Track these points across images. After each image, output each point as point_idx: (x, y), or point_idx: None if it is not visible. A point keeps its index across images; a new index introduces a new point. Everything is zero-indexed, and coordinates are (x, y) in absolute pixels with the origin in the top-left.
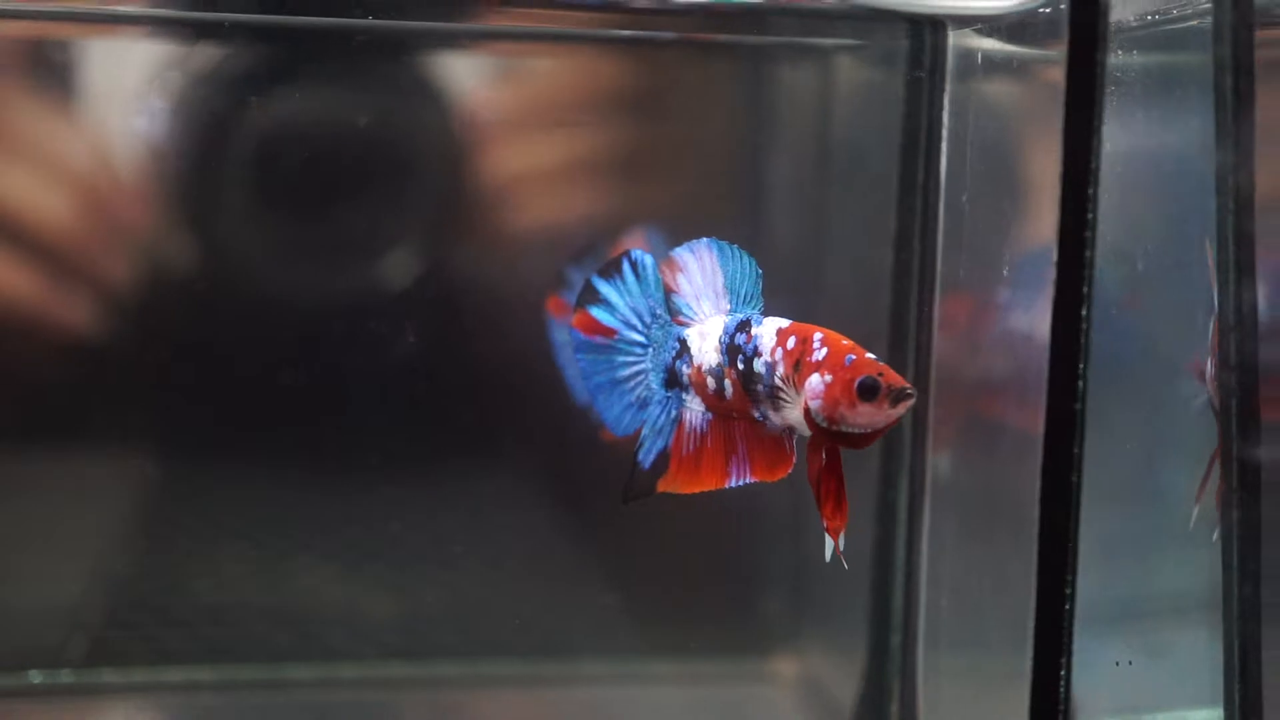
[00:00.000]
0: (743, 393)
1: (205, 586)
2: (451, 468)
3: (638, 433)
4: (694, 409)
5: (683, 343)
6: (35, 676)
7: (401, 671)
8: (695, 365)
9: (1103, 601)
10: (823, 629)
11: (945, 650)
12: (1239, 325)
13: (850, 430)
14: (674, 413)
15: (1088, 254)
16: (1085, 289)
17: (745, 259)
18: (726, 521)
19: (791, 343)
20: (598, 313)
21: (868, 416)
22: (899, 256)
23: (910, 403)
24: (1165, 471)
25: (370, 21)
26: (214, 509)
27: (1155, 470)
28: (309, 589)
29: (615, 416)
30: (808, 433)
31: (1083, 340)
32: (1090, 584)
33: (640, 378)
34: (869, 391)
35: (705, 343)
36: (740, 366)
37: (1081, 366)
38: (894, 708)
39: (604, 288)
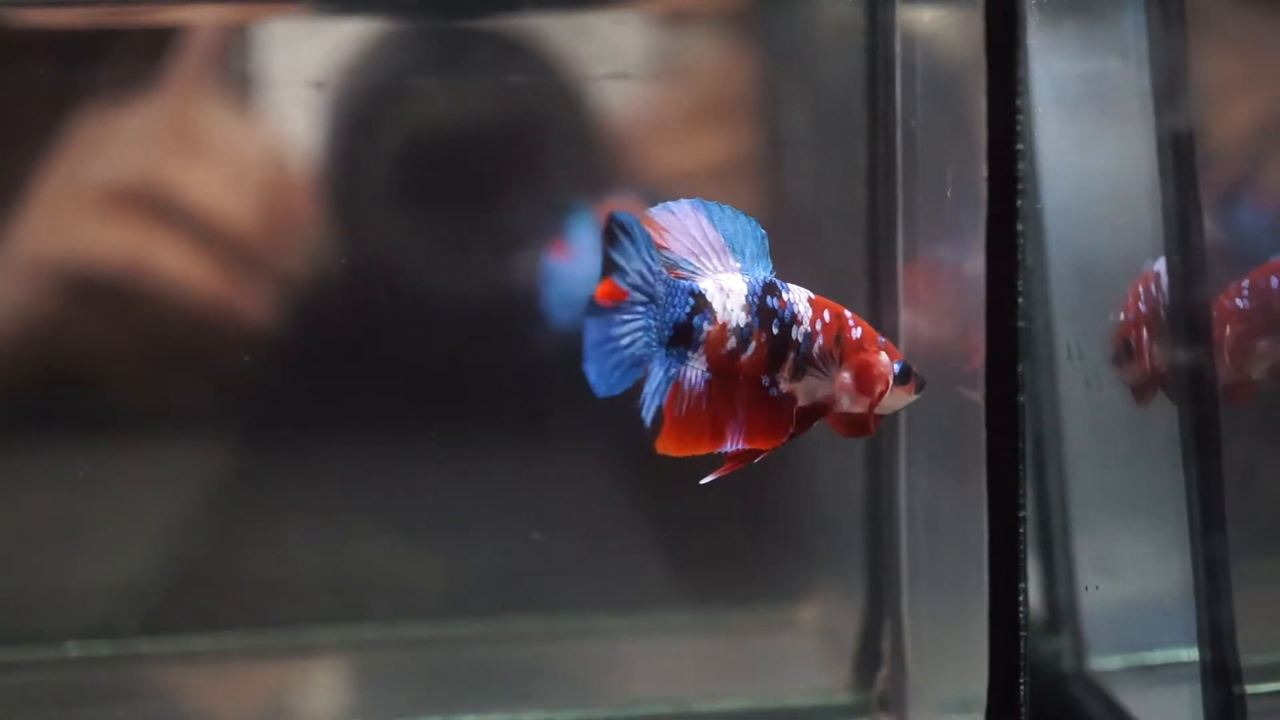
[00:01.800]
0: (764, 357)
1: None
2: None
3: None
4: (695, 368)
5: (699, 297)
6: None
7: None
8: (720, 322)
9: None
10: (833, 576)
11: (925, 584)
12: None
13: (877, 411)
14: (673, 370)
15: (1021, 167)
16: (1017, 203)
17: (742, 218)
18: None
19: (828, 316)
20: (618, 279)
21: (895, 399)
22: (870, 191)
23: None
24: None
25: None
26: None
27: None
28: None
29: (604, 375)
30: (827, 408)
31: (1019, 256)
32: None
33: (637, 335)
34: (905, 376)
35: (730, 299)
36: (774, 330)
37: (1022, 283)
38: (886, 644)
39: (614, 254)
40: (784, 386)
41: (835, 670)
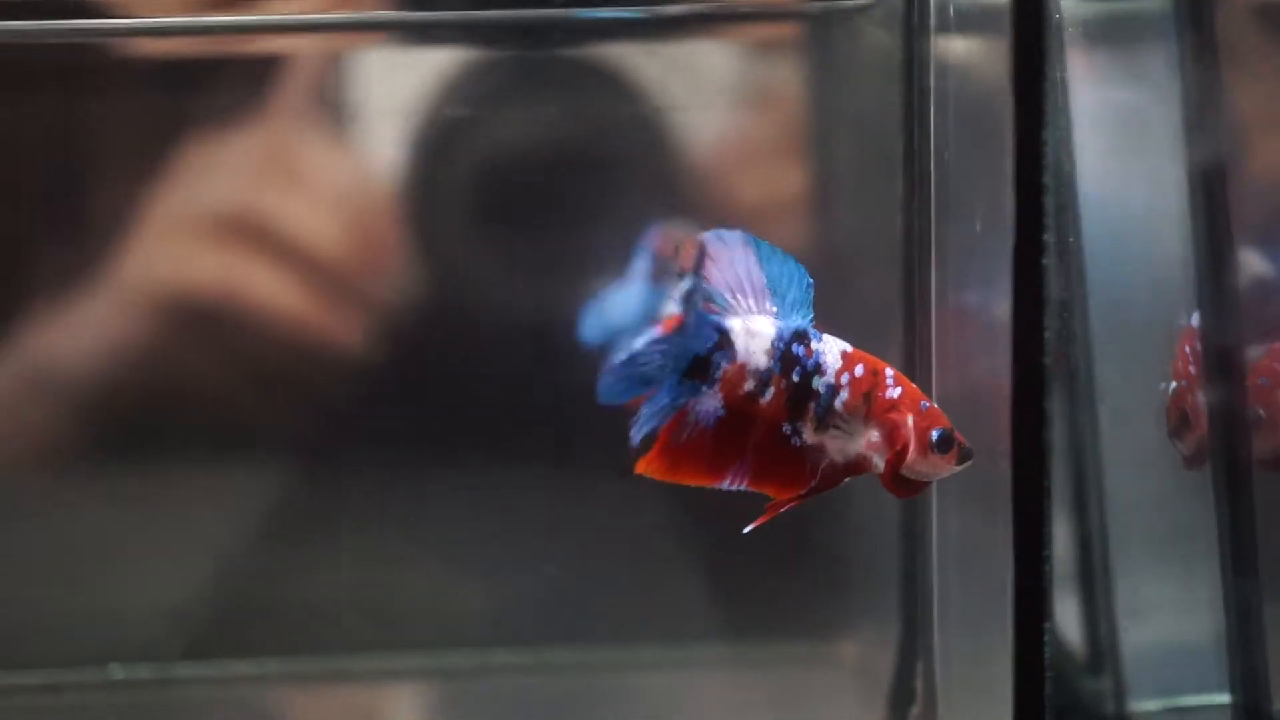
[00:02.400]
0: (783, 404)
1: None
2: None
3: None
4: (709, 403)
5: (724, 334)
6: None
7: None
8: (739, 363)
9: None
10: (870, 613)
11: (955, 622)
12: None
13: (909, 475)
14: (681, 400)
15: (1045, 199)
16: (1043, 236)
17: (792, 263)
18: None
19: (860, 371)
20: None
21: (932, 467)
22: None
23: (968, 464)
24: None
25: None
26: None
27: None
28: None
29: (610, 382)
30: (859, 466)
31: (1045, 290)
32: None
33: (654, 356)
34: (944, 444)
35: (754, 342)
36: (795, 379)
37: (1048, 318)
38: (918, 682)
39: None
40: (809, 438)
41: (870, 707)
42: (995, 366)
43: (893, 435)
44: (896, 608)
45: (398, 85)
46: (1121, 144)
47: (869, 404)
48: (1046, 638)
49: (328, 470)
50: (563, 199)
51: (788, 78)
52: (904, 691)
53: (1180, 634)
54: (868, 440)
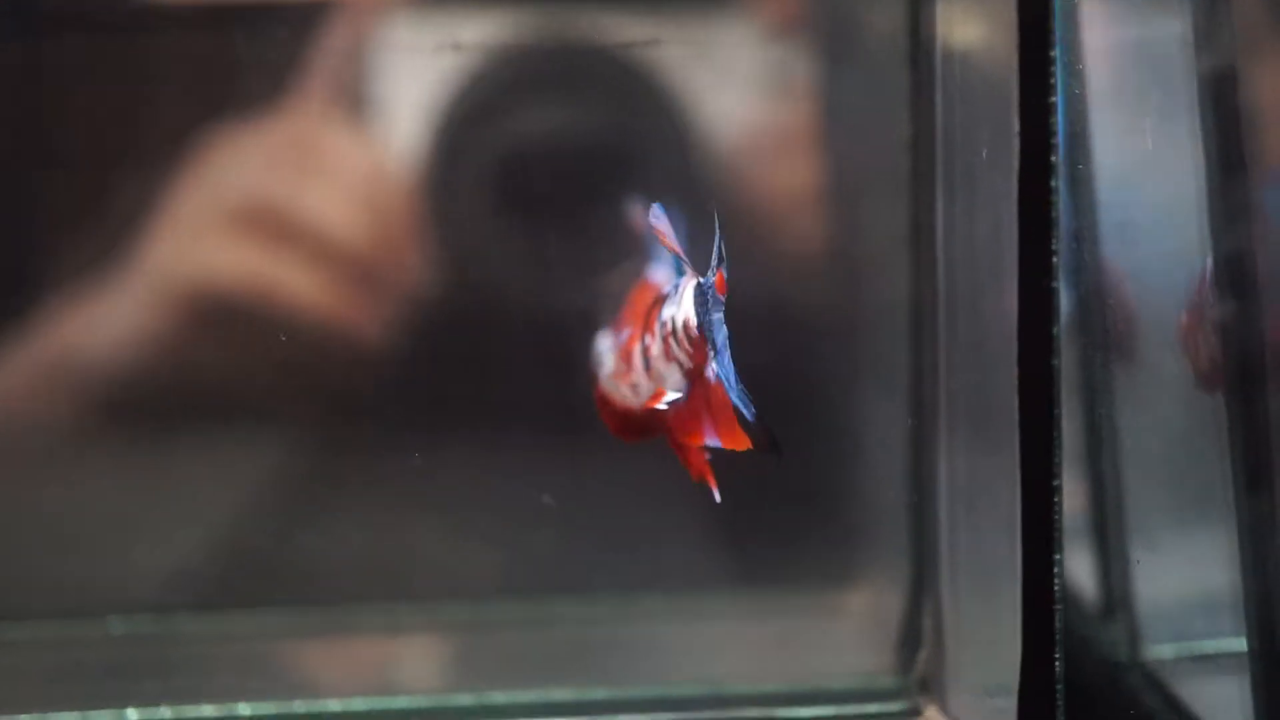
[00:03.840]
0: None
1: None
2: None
3: None
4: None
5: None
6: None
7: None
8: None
9: None
10: (878, 558)
11: (964, 564)
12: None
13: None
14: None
15: (1052, 121)
16: (1051, 158)
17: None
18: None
19: None
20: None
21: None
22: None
23: None
24: None
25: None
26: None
27: None
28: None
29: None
30: None
31: (1053, 214)
32: None
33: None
34: None
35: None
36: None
37: (1053, 241)
38: (927, 625)
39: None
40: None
41: (879, 653)
42: (1003, 299)
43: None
44: (905, 552)
45: (420, 77)
46: (1133, 70)
47: None
48: (1057, 571)
49: (343, 456)
50: (583, 189)
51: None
52: (912, 635)
53: (1197, 580)
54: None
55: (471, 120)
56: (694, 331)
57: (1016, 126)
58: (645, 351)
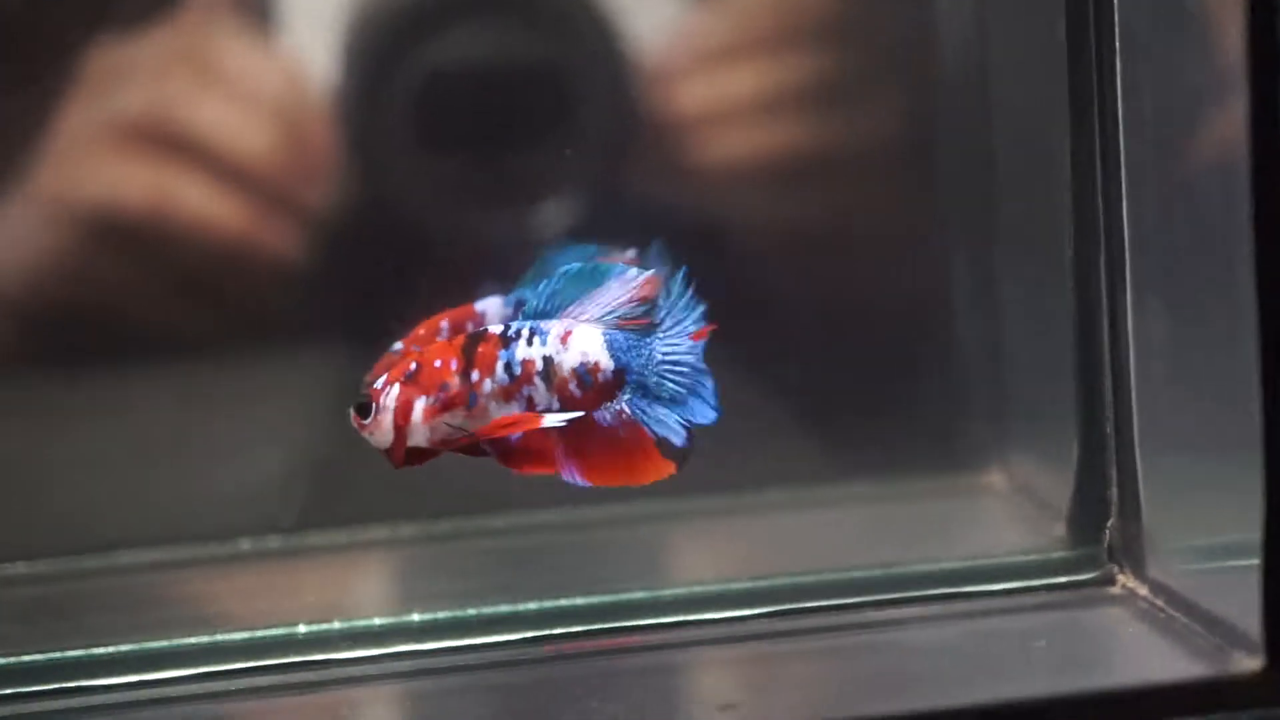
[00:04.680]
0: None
1: None
2: None
3: None
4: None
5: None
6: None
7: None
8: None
9: None
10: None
11: (1163, 427)
12: None
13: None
14: None
15: None
16: None
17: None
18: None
19: None
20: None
21: None
22: None
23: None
24: None
25: None
26: None
27: None
28: None
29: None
30: None
31: None
32: None
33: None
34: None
35: None
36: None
37: None
38: (1113, 492)
39: None
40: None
41: (1049, 527)
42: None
43: None
44: (1075, 420)
45: None
46: None
47: None
48: None
49: (257, 374)
50: (505, 111)
51: None
52: (1090, 506)
53: None
54: None
55: (390, 33)
56: (604, 376)
57: None
58: (474, 387)
